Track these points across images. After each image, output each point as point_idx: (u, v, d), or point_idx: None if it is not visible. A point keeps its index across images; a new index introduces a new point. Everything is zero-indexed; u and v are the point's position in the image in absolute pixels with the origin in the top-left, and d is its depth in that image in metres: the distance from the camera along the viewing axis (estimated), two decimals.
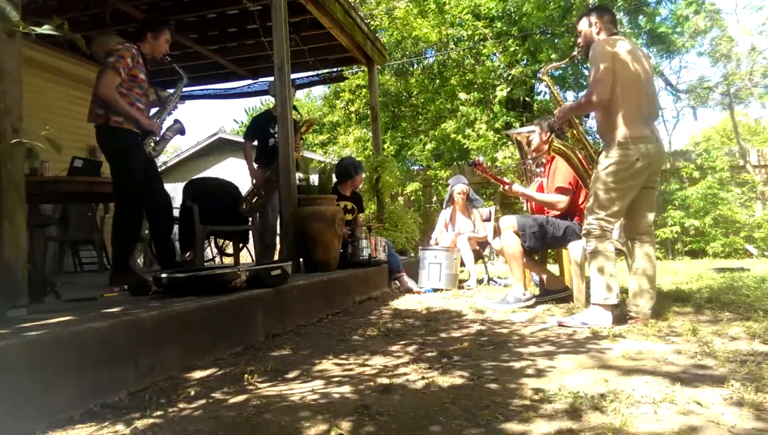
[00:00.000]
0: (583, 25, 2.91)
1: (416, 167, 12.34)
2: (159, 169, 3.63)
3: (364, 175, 6.69)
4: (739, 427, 1.31)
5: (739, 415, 1.38)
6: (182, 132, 3.40)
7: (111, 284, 3.06)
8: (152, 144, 3.15)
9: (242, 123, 23.10)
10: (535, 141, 3.64)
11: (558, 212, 3.51)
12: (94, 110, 3.03)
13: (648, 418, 1.38)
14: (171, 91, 3.52)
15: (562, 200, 3.43)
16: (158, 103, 3.42)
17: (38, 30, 1.37)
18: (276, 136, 4.74)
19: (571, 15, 10.15)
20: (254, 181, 4.81)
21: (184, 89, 3.63)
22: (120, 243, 3.08)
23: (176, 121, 3.40)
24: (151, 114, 3.29)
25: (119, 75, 2.96)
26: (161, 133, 3.24)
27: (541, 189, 3.69)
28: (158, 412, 1.56)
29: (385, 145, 12.05)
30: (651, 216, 2.86)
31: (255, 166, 4.86)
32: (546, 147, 3.40)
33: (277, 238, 4.99)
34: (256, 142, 4.95)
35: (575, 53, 3.08)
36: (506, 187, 3.64)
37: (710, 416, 1.38)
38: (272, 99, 4.92)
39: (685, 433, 1.29)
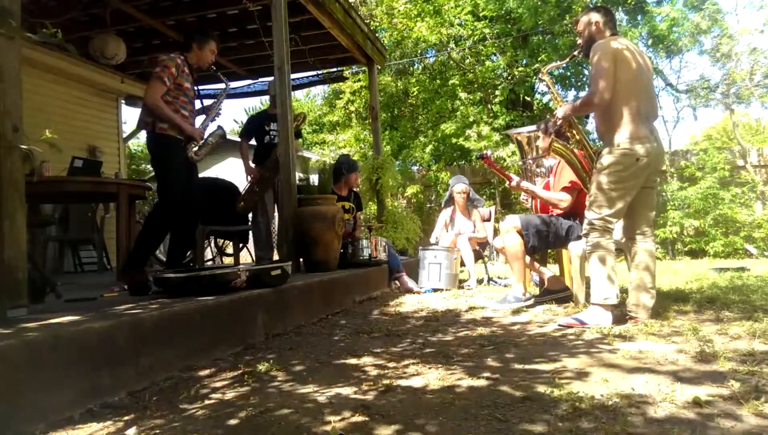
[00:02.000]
0: (583, 25, 2.90)
1: (416, 168, 12.34)
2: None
3: (363, 176, 6.69)
4: (739, 426, 1.31)
5: (739, 414, 1.38)
6: (224, 137, 3.56)
7: (120, 278, 3.10)
8: (195, 148, 3.27)
9: (242, 123, 23.12)
10: (541, 142, 3.65)
11: (561, 211, 3.51)
12: (144, 118, 3.18)
13: (648, 418, 1.38)
14: (220, 87, 3.70)
15: (566, 199, 3.43)
16: (203, 111, 3.55)
17: (34, 37, 1.38)
18: (271, 133, 4.78)
19: (570, 15, 10.14)
20: (249, 177, 4.90)
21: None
22: (146, 240, 3.16)
23: (219, 127, 3.55)
24: (196, 122, 3.43)
25: (164, 84, 3.10)
26: (204, 139, 3.36)
27: (547, 188, 3.69)
28: (158, 412, 1.56)
29: (385, 144, 12.04)
30: (651, 216, 2.86)
31: (252, 164, 4.95)
32: (547, 147, 3.39)
33: (274, 241, 5.01)
34: (253, 142, 5.02)
35: (575, 52, 3.08)
36: (512, 182, 3.63)
37: (710, 416, 1.38)
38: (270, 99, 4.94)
39: (685, 432, 1.29)
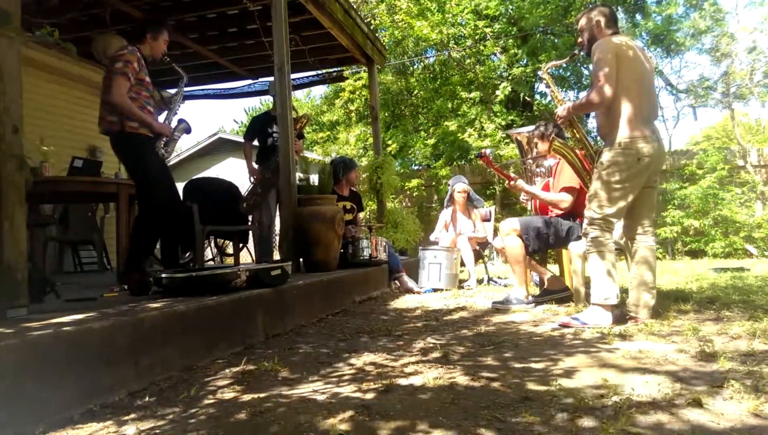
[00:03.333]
0: (584, 23, 2.89)
1: (417, 167, 12.35)
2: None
3: (363, 175, 6.70)
4: (738, 426, 1.31)
5: (739, 414, 1.38)
6: (188, 131, 3.46)
7: (121, 281, 3.08)
8: (163, 145, 3.19)
9: (242, 123, 23.10)
10: (540, 139, 3.65)
11: (561, 212, 3.51)
12: (106, 118, 3.00)
13: (648, 418, 1.38)
14: (174, 91, 3.55)
15: (566, 199, 3.42)
16: (163, 105, 3.45)
17: (32, 37, 1.38)
18: (274, 135, 4.80)
19: (570, 15, 10.14)
20: (252, 178, 4.97)
21: (185, 89, 3.66)
22: (140, 243, 3.11)
23: (181, 121, 3.45)
24: (159, 117, 3.33)
25: (128, 80, 2.94)
26: (171, 135, 3.28)
27: (547, 188, 3.68)
28: (158, 412, 1.56)
29: (388, 142, 12.04)
30: (651, 215, 2.85)
31: (255, 165, 5.02)
32: (547, 147, 3.39)
33: (276, 241, 5.04)
34: (256, 143, 5.10)
35: (576, 51, 3.07)
36: (511, 182, 3.61)
37: (710, 416, 1.38)
38: (272, 99, 4.97)
39: (684, 432, 1.28)
